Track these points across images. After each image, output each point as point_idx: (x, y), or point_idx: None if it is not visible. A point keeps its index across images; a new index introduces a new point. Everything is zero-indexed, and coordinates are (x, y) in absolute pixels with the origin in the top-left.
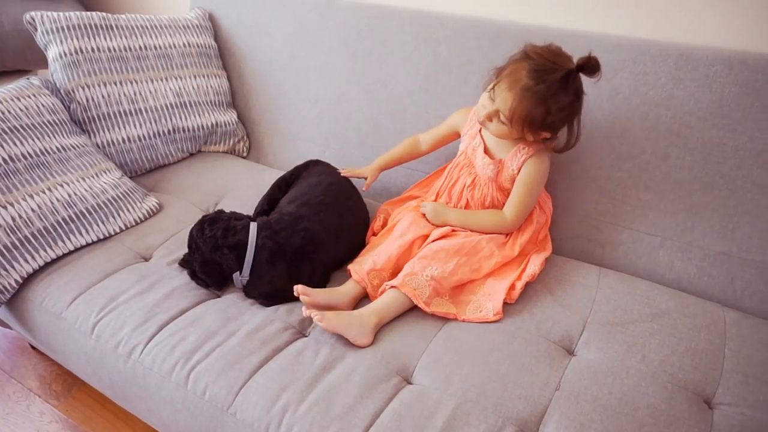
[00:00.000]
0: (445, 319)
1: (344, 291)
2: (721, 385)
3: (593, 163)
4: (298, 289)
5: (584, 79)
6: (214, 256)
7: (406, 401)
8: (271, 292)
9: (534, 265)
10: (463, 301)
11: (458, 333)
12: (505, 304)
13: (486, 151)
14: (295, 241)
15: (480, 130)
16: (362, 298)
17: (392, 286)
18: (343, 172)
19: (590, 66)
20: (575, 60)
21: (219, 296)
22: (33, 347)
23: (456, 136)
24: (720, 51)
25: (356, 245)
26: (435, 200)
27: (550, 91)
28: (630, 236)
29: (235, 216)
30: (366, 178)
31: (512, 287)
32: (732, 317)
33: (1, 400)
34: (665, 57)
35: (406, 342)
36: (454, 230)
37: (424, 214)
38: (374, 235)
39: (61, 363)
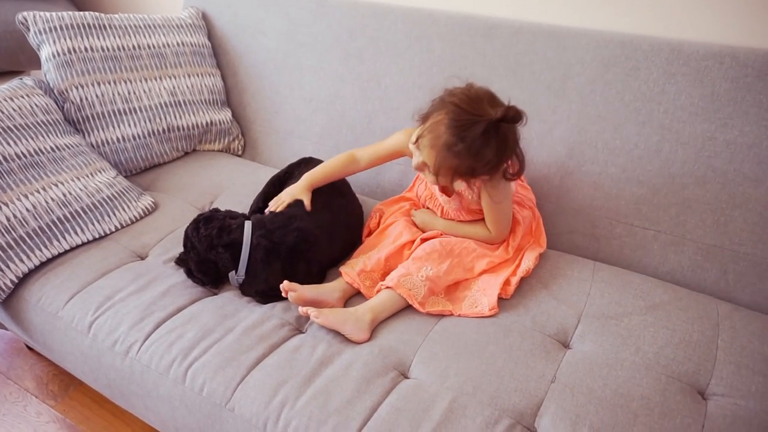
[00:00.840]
0: (441, 314)
1: (333, 287)
2: (714, 376)
3: (587, 158)
4: (284, 285)
5: (578, 76)
6: (209, 255)
7: (404, 395)
8: (267, 290)
9: (528, 260)
10: (459, 297)
11: (454, 328)
12: (501, 299)
13: (443, 187)
14: (289, 240)
15: None
16: (351, 297)
17: (387, 287)
18: (271, 208)
19: (510, 117)
20: (504, 102)
21: (215, 294)
22: (29, 348)
23: (399, 155)
24: (711, 46)
25: (351, 243)
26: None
27: (473, 149)
28: (624, 230)
29: (230, 215)
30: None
31: (507, 282)
32: (725, 309)
33: None
34: (657, 52)
35: (402, 337)
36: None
37: (414, 224)
38: (370, 233)
39: (58, 363)
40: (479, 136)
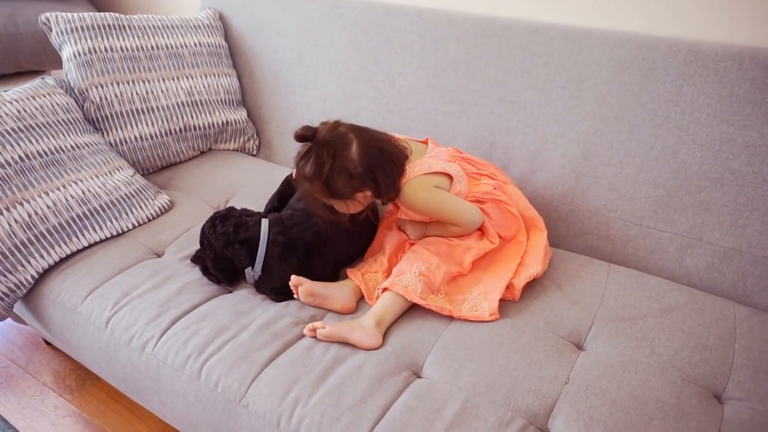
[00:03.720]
0: (441, 312)
1: (342, 284)
2: (731, 380)
3: (602, 159)
4: (292, 280)
5: (593, 77)
6: (225, 252)
7: (416, 394)
8: (282, 287)
9: (536, 265)
10: (458, 299)
11: (467, 328)
12: (509, 301)
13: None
14: (308, 236)
15: None
16: (362, 298)
17: (384, 289)
18: None
19: (297, 136)
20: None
21: (230, 292)
22: (47, 343)
23: None
24: (730, 47)
25: (367, 241)
26: None
27: (299, 175)
28: (639, 232)
29: (246, 212)
30: None
31: (512, 286)
32: (742, 313)
33: (17, 395)
34: (675, 53)
35: (415, 337)
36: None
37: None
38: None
39: (76, 357)
40: (300, 160)
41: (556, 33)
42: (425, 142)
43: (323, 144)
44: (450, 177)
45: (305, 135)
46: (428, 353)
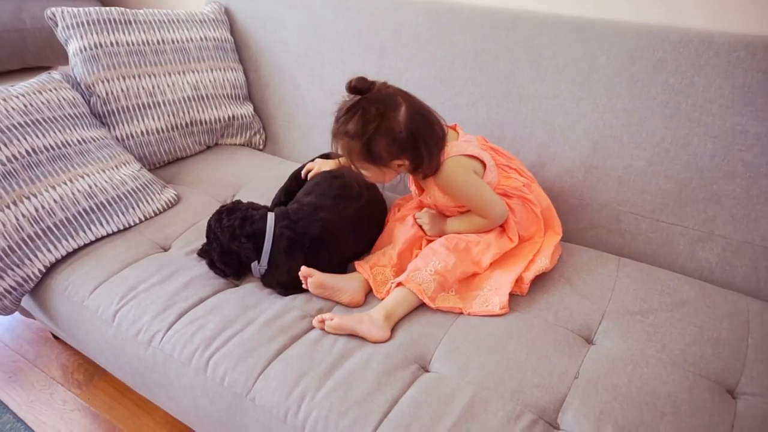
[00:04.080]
0: (451, 311)
1: (351, 276)
2: (744, 374)
3: (612, 151)
4: (302, 271)
5: (602, 69)
6: (232, 245)
7: (424, 388)
8: (289, 281)
9: (545, 258)
10: (470, 296)
11: (475, 322)
12: (517, 296)
13: (420, 190)
14: (314, 230)
15: None
16: (370, 291)
17: (398, 284)
18: (311, 174)
19: (351, 87)
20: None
21: (237, 285)
22: (55, 337)
23: None
24: (742, 37)
25: (374, 236)
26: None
27: (341, 130)
28: (650, 225)
29: (253, 206)
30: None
31: (521, 280)
32: (755, 307)
33: (25, 389)
34: (686, 44)
35: (423, 331)
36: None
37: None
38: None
39: (83, 351)
40: (343, 115)
41: (564, 24)
42: (454, 128)
43: (372, 101)
44: (483, 165)
45: (360, 87)
46: (436, 347)
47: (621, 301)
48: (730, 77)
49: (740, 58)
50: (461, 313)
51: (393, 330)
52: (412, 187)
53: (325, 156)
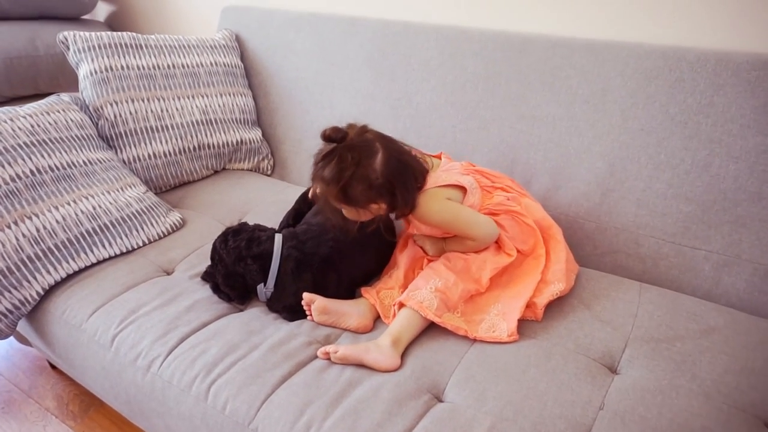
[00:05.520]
0: (456, 332)
1: (357, 301)
2: None
3: (629, 173)
4: (305, 296)
5: (617, 89)
6: (237, 267)
7: (438, 419)
8: (295, 305)
9: (560, 282)
10: (475, 320)
11: (491, 350)
12: (533, 321)
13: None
14: (323, 250)
15: None
16: (378, 316)
17: (400, 304)
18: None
19: (325, 136)
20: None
21: (242, 310)
22: (52, 366)
23: None
24: (760, 55)
25: (383, 258)
26: None
27: (317, 175)
28: (672, 250)
29: (260, 228)
30: None
31: (533, 305)
32: None
33: (18, 420)
34: (703, 63)
35: (436, 358)
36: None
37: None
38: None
39: (79, 379)
40: (320, 160)
41: (576, 46)
42: (439, 157)
43: (349, 148)
44: (463, 189)
45: (333, 137)
46: (450, 375)
47: (645, 327)
48: (750, 96)
49: (760, 77)
50: (469, 338)
51: (403, 357)
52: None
53: None
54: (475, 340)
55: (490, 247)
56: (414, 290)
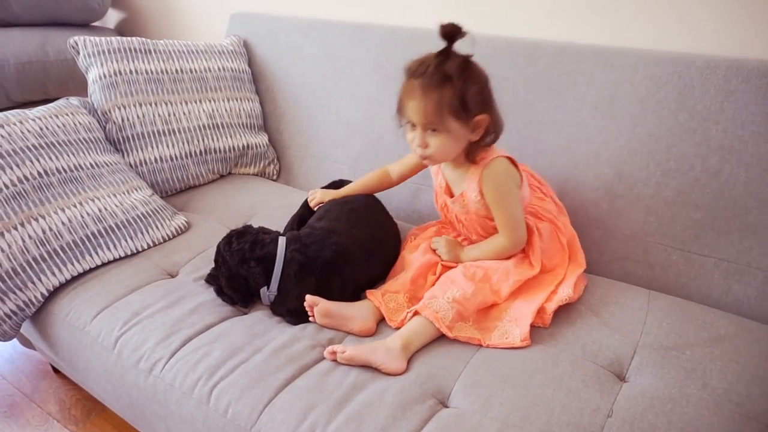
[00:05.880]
0: (469, 342)
1: (360, 304)
2: None
3: (638, 180)
4: (307, 299)
5: (626, 96)
6: (240, 270)
7: (443, 425)
8: (298, 308)
9: (568, 287)
10: (488, 327)
11: (497, 355)
12: (540, 328)
13: (447, 189)
14: (326, 254)
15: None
16: (382, 320)
17: (415, 312)
18: (312, 203)
19: (446, 32)
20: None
21: (245, 313)
22: (55, 371)
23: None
24: None
25: (388, 263)
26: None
27: (436, 76)
28: (681, 257)
29: (264, 230)
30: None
31: (543, 311)
32: None
33: (20, 425)
34: (713, 70)
35: (441, 363)
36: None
37: (435, 250)
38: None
39: (82, 383)
40: (435, 65)
41: (585, 52)
42: None
43: (454, 58)
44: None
45: (452, 32)
46: (456, 381)
47: (654, 335)
48: (761, 103)
49: None
50: (480, 345)
51: (409, 362)
52: (441, 199)
53: (332, 186)
54: (486, 347)
55: (514, 257)
56: (431, 299)
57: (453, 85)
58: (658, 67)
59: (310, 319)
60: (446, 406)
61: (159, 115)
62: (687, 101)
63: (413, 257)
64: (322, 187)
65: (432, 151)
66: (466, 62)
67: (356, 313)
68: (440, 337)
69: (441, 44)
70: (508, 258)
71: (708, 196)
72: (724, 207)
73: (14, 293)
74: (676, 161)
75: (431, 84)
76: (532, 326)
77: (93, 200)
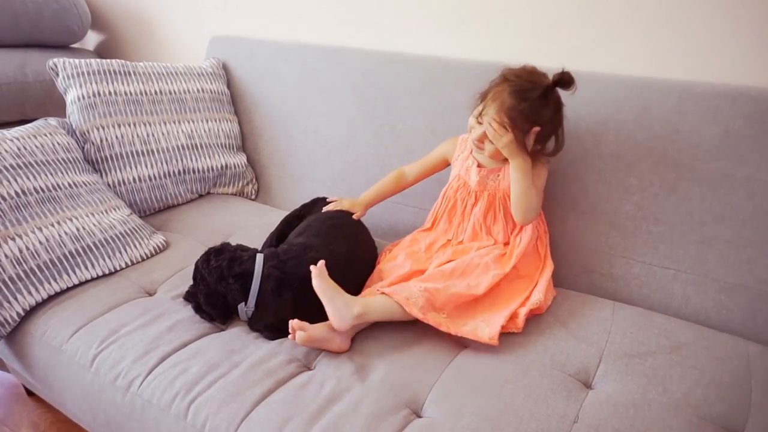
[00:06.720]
0: (456, 350)
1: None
2: (750, 419)
3: (601, 197)
4: (293, 324)
5: (589, 117)
6: (219, 287)
7: None
8: (276, 323)
9: (539, 292)
10: (460, 323)
11: (470, 366)
12: (512, 336)
13: (480, 166)
14: (303, 271)
15: (471, 152)
16: (362, 331)
17: (383, 293)
18: (330, 206)
19: (565, 80)
20: (550, 76)
21: (223, 330)
22: (29, 393)
23: (444, 164)
24: (722, 86)
25: (364, 277)
26: (432, 226)
27: (533, 108)
28: (642, 270)
29: (242, 248)
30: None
31: (515, 315)
32: (755, 350)
33: None
34: (668, 92)
35: (415, 374)
36: (450, 260)
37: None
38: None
39: (57, 404)
40: (538, 98)
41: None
42: None
43: (556, 98)
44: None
45: (569, 80)
46: (429, 391)
47: (618, 344)
48: (712, 123)
49: (721, 105)
50: (453, 351)
51: (383, 372)
52: (472, 170)
53: (312, 204)
54: (455, 356)
55: (494, 251)
56: (404, 286)
57: (543, 90)
58: (618, 89)
59: (289, 337)
60: (420, 416)
61: (138, 135)
62: (645, 121)
63: (390, 267)
64: (303, 205)
65: (485, 150)
66: (557, 107)
67: (336, 335)
68: (414, 348)
69: (415, 71)
70: (489, 253)
71: (666, 211)
72: (681, 220)
73: None
74: (636, 178)
75: (522, 110)
76: (507, 332)
77: (71, 219)
